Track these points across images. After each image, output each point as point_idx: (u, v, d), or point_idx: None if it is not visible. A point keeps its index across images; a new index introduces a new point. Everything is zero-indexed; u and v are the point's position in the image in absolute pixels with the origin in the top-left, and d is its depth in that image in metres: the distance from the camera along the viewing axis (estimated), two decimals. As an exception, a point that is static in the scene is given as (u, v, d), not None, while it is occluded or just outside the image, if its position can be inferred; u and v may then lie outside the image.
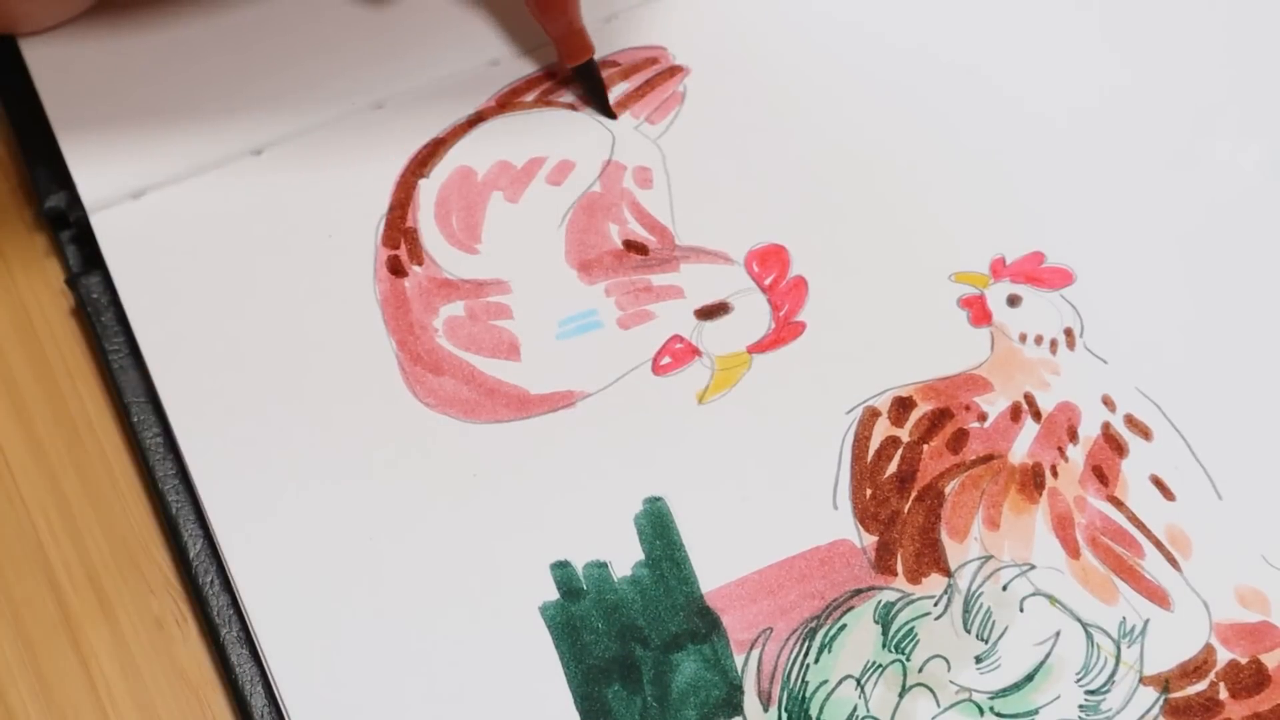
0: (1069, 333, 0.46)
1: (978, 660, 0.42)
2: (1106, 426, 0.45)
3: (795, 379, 0.45)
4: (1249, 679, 0.42)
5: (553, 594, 0.43)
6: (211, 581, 0.43)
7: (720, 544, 0.43)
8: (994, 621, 0.43)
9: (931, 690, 0.42)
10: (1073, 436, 0.45)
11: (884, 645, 0.42)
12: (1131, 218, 0.48)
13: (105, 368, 0.46)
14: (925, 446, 0.45)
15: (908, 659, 0.42)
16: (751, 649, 0.42)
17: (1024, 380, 0.45)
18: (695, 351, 0.46)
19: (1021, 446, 0.45)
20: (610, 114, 0.49)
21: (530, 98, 0.49)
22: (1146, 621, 0.43)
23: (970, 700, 0.42)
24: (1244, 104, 0.50)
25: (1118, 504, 0.44)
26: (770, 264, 0.47)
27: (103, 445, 0.45)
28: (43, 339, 0.47)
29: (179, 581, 0.44)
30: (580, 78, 0.49)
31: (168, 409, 0.44)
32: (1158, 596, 0.43)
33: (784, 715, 0.42)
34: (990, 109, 0.49)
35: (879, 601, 0.43)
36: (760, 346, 0.46)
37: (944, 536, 0.44)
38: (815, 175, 0.48)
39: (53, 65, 0.49)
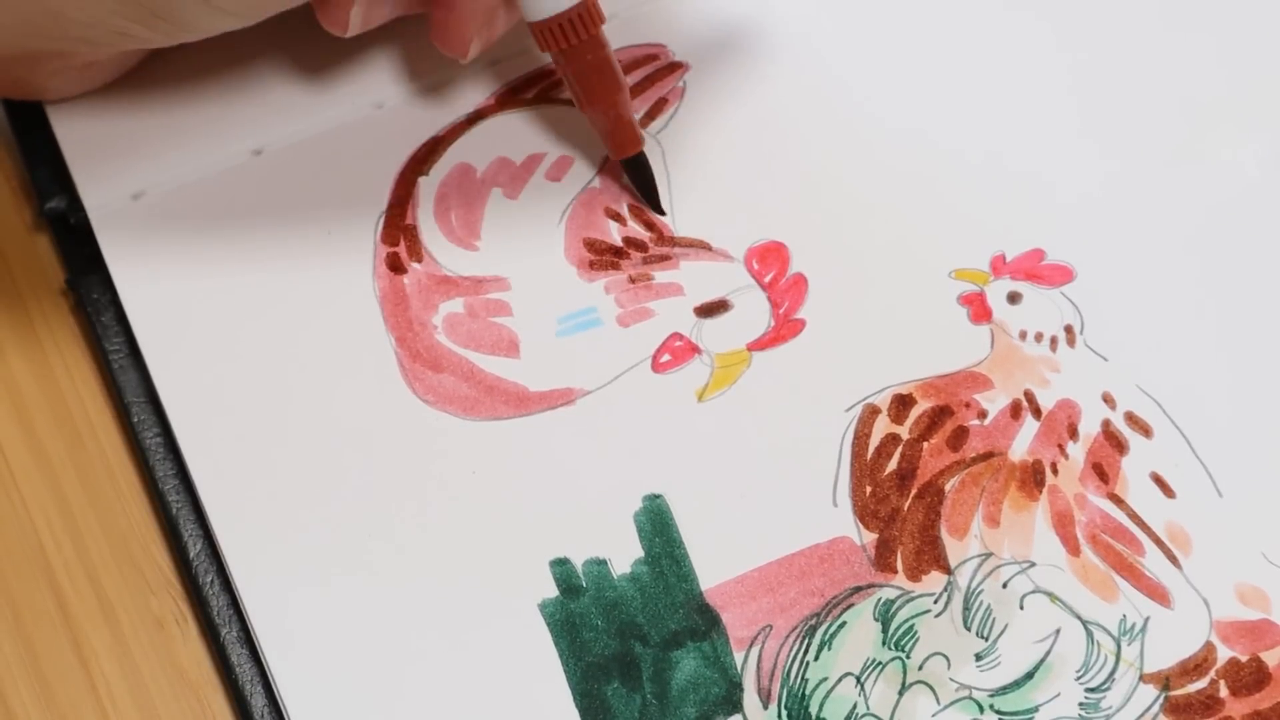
0: (1069, 330, 0.46)
1: (978, 658, 0.42)
2: (1107, 424, 0.45)
3: (795, 376, 0.45)
4: (1249, 677, 0.42)
5: (552, 591, 0.43)
6: (211, 581, 0.43)
7: (720, 541, 0.43)
8: (994, 619, 0.43)
9: (931, 688, 0.42)
10: (1073, 434, 0.45)
11: (884, 643, 0.42)
12: (1132, 214, 0.48)
13: (105, 368, 0.46)
14: (925, 444, 0.45)
15: (908, 656, 0.42)
16: (751, 646, 0.42)
17: (1024, 377, 0.45)
18: (695, 349, 0.46)
19: (1022, 444, 0.45)
20: (660, 210, 0.47)
21: (529, 95, 0.49)
22: (1147, 619, 0.43)
23: (970, 698, 0.42)
24: (1245, 100, 0.49)
25: (1118, 501, 0.44)
26: (770, 261, 0.47)
27: (103, 445, 0.46)
28: (43, 339, 0.47)
29: (179, 581, 0.44)
30: (629, 170, 0.47)
31: (168, 409, 0.44)
32: (1158, 594, 0.43)
33: (784, 713, 0.42)
34: (990, 105, 0.49)
35: (879, 599, 0.43)
36: (760, 344, 0.46)
37: (944, 534, 0.44)
38: (815, 172, 0.48)
39: (52, 65, 0.49)
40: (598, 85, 0.46)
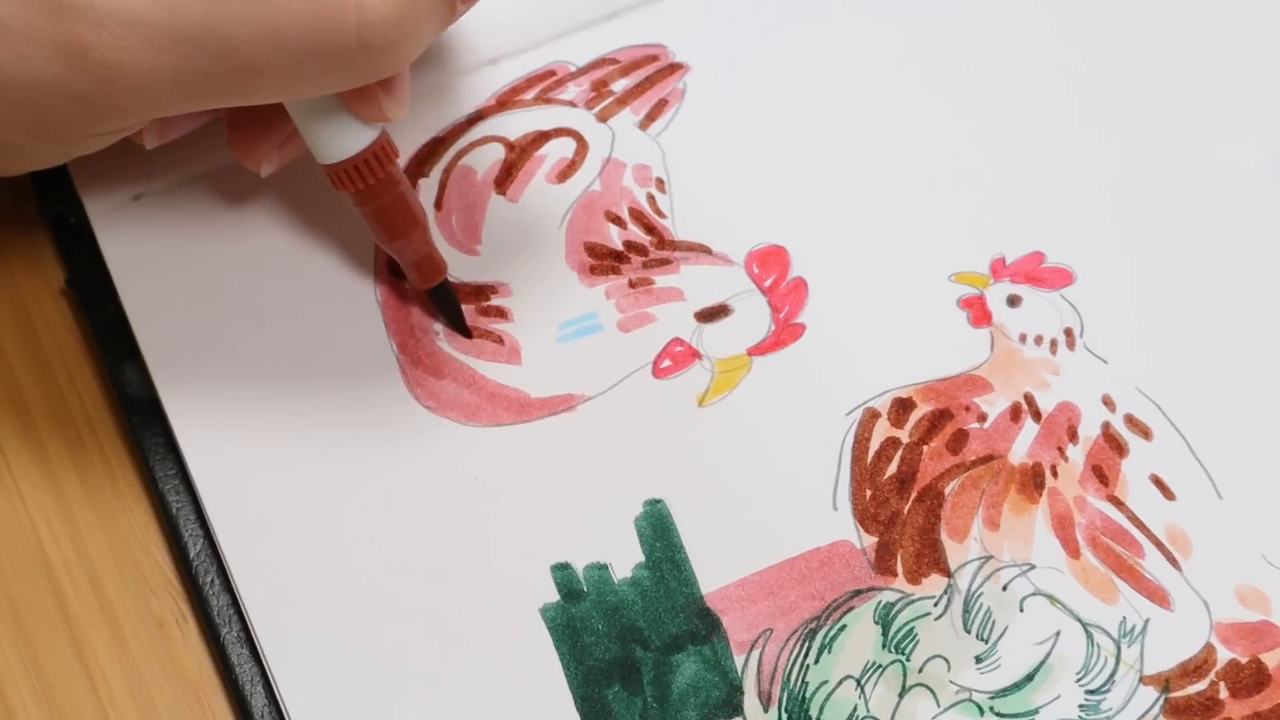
0: (1069, 333, 0.46)
1: (978, 660, 0.42)
2: (1106, 426, 0.45)
3: (795, 381, 0.45)
4: (1249, 678, 0.42)
5: (553, 596, 0.43)
6: (211, 581, 0.43)
7: (720, 545, 0.43)
8: (994, 621, 0.43)
9: (931, 690, 0.42)
10: (1073, 436, 0.45)
11: (884, 645, 0.42)
12: (1132, 217, 0.48)
13: (105, 368, 0.46)
14: (925, 447, 0.45)
15: (908, 659, 0.42)
16: (751, 650, 0.42)
17: (1024, 380, 0.45)
18: (695, 354, 0.46)
19: (1021, 447, 0.45)
20: (467, 333, 0.46)
21: (530, 96, 0.49)
22: (1147, 621, 0.43)
23: (970, 700, 0.42)
24: (1244, 103, 0.49)
25: (1118, 504, 0.44)
26: (770, 265, 0.47)
27: (103, 445, 0.45)
28: (43, 339, 0.47)
29: (179, 581, 0.44)
30: (434, 299, 0.46)
31: (168, 409, 0.44)
32: (1158, 596, 0.43)
33: (784, 716, 0.42)
34: (990, 108, 0.49)
35: (879, 602, 0.43)
36: (760, 349, 0.46)
37: (944, 537, 0.44)
38: (815, 175, 0.48)
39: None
40: (396, 222, 0.44)
